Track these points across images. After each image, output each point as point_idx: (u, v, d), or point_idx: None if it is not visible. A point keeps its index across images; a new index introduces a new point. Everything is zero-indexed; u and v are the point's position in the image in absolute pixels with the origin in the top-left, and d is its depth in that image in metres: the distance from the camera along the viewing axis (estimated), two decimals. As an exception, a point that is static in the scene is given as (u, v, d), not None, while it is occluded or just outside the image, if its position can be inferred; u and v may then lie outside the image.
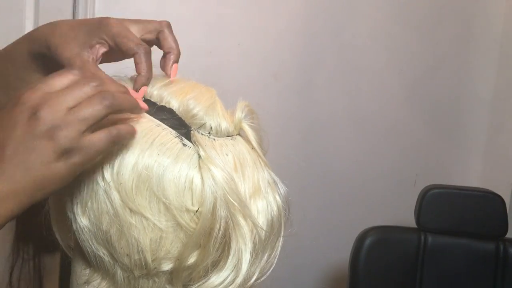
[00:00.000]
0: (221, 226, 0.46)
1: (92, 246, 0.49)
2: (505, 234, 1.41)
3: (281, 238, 0.52)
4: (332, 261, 1.79)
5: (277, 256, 0.51)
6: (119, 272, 0.49)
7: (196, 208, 0.47)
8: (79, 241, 0.50)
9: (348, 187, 1.78)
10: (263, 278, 0.50)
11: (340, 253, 1.69)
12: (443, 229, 1.41)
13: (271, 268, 0.51)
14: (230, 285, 0.47)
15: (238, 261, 0.47)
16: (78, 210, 0.48)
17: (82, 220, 0.48)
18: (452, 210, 1.41)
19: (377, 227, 1.43)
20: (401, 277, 1.42)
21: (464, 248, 1.41)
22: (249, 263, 0.47)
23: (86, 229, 0.48)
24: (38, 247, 1.48)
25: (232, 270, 0.47)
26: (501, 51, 1.84)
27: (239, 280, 0.47)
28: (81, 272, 0.53)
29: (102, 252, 0.48)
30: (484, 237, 1.41)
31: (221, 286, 0.47)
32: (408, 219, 1.50)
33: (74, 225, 0.49)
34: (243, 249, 0.47)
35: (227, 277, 0.47)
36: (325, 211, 1.77)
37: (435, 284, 1.41)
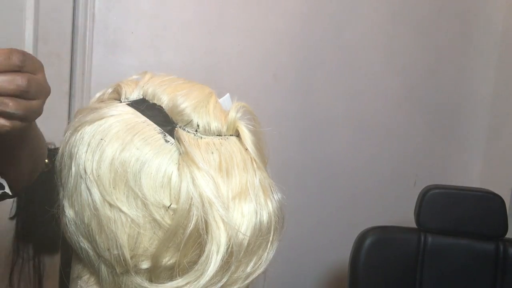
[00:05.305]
0: (195, 226, 0.45)
1: (78, 239, 0.50)
2: (505, 234, 1.41)
3: (272, 245, 0.50)
4: (332, 261, 1.79)
5: (263, 262, 0.49)
6: (102, 267, 0.49)
7: (171, 205, 0.46)
8: (68, 234, 0.51)
9: (348, 187, 1.78)
10: (246, 283, 0.49)
11: (340, 253, 1.69)
12: (443, 229, 1.41)
13: (256, 274, 0.49)
14: (194, 287, 0.45)
15: (207, 264, 0.45)
16: (66, 202, 0.50)
17: (70, 213, 0.50)
18: (452, 210, 1.41)
19: (377, 227, 1.43)
20: (401, 277, 1.42)
21: (464, 248, 1.41)
22: (218, 266, 0.45)
23: (72, 222, 0.50)
24: (38, 247, 1.48)
25: (201, 273, 0.45)
26: (501, 51, 1.84)
27: (201, 282, 0.45)
28: (75, 267, 0.54)
29: (87, 246, 0.49)
30: (484, 237, 1.41)
31: (185, 287, 0.45)
32: (408, 219, 1.50)
33: (63, 218, 0.51)
34: (214, 252, 0.45)
35: (193, 279, 0.45)
36: (325, 211, 1.77)
37: (435, 284, 1.41)
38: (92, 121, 0.49)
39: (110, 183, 0.47)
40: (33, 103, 0.56)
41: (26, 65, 0.54)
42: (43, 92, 0.58)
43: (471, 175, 1.88)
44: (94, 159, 0.47)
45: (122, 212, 0.46)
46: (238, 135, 0.51)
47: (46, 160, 1.29)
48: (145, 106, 0.50)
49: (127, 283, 0.49)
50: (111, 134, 0.48)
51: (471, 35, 1.84)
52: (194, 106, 0.50)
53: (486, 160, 1.87)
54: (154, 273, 0.48)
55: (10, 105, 0.54)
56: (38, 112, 0.58)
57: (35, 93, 0.56)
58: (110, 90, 0.54)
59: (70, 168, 0.49)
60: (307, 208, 1.74)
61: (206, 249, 0.45)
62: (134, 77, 0.55)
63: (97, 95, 0.55)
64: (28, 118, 0.57)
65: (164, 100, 0.50)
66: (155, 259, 0.47)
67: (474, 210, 1.40)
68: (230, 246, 0.45)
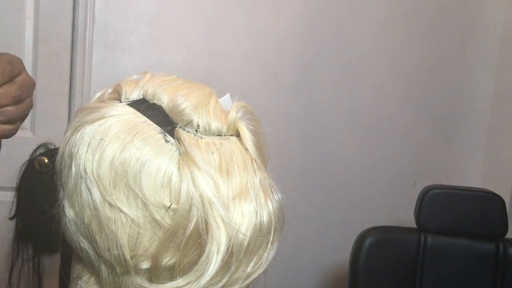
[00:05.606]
0: (195, 226, 0.45)
1: (78, 239, 0.50)
2: (505, 234, 1.41)
3: (272, 245, 0.50)
4: (332, 261, 1.79)
5: (263, 262, 0.49)
6: (103, 267, 0.50)
7: (171, 205, 0.46)
8: (69, 234, 0.51)
9: (348, 187, 1.78)
10: (247, 283, 0.49)
11: (340, 253, 1.69)
12: (443, 229, 1.41)
13: (256, 274, 0.49)
14: (195, 287, 0.45)
15: (207, 264, 0.45)
16: (66, 202, 0.50)
17: (70, 213, 0.49)
18: (452, 210, 1.41)
19: (377, 227, 1.43)
20: (401, 277, 1.42)
21: (464, 248, 1.41)
22: (218, 267, 0.45)
23: (72, 222, 0.50)
24: (38, 247, 1.48)
25: (201, 273, 0.45)
26: (501, 51, 1.84)
27: (202, 282, 0.45)
28: (75, 267, 0.54)
29: (87, 246, 0.49)
30: (484, 237, 1.41)
31: (186, 287, 0.45)
32: (408, 219, 1.50)
33: (64, 218, 0.51)
34: (214, 252, 0.45)
35: (193, 279, 0.45)
36: (325, 211, 1.77)
37: (435, 284, 1.41)
38: (92, 121, 0.49)
39: (110, 183, 0.47)
40: (26, 101, 0.61)
41: (14, 70, 0.58)
42: (31, 88, 0.62)
43: (471, 175, 1.88)
44: (94, 159, 0.47)
45: (122, 212, 0.46)
46: (238, 135, 0.51)
47: (46, 160, 1.28)
48: (145, 106, 0.50)
49: (127, 283, 0.49)
50: (111, 134, 0.48)
51: (471, 35, 1.84)
52: (194, 106, 0.50)
53: (486, 160, 1.87)
54: (154, 273, 0.48)
55: (12, 111, 0.59)
56: (31, 106, 0.63)
57: (26, 93, 0.61)
58: (110, 90, 0.54)
59: (70, 168, 0.49)
60: (307, 208, 1.74)
61: (206, 249, 0.45)
62: (134, 77, 0.55)
63: (97, 95, 0.55)
64: (26, 116, 0.62)
65: (164, 100, 0.50)
66: (155, 259, 0.47)
67: (474, 210, 1.40)
68: (230, 246, 0.45)
